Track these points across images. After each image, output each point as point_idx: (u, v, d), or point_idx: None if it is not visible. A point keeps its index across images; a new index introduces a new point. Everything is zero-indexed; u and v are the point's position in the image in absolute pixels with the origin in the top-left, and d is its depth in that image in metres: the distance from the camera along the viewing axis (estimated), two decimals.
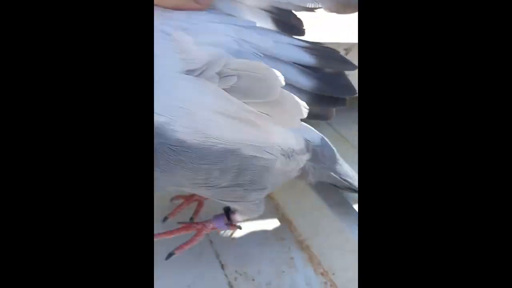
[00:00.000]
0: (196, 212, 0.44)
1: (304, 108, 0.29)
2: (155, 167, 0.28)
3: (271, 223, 0.47)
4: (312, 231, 0.45)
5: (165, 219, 0.42)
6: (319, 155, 0.40)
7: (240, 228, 0.42)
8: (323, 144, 0.41)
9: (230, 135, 0.29)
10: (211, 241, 0.43)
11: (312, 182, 0.42)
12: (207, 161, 0.28)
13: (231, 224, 0.40)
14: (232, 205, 0.39)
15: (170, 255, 0.38)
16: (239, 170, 0.30)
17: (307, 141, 0.38)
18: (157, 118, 0.26)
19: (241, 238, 0.45)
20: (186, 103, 0.27)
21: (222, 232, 0.44)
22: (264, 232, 0.46)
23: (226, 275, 0.41)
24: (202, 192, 0.33)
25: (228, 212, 0.40)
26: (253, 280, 0.40)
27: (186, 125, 0.27)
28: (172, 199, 0.45)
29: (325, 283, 0.41)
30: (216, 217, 0.40)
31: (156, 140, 0.26)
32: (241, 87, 0.27)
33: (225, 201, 0.35)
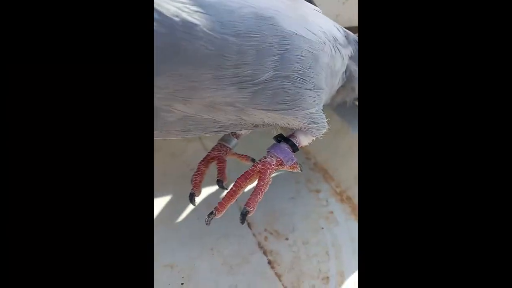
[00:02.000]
0: (220, 171, 0.32)
1: None
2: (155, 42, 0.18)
3: (303, 174, 0.40)
4: (353, 179, 0.38)
5: (192, 197, 0.31)
6: None
7: (301, 170, 0.30)
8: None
9: None
10: None
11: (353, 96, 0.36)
12: (233, 30, 0.19)
13: (294, 163, 0.29)
14: (287, 123, 0.27)
15: (244, 215, 0.27)
16: (282, 52, 0.22)
17: (345, 31, 0.31)
18: None
19: (268, 191, 0.38)
20: None
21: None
22: (294, 185, 0.39)
23: (254, 235, 0.34)
24: (234, 96, 0.22)
25: (285, 138, 0.29)
26: (287, 239, 0.34)
27: None
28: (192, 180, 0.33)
29: None
30: (275, 147, 0.28)
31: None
32: None
33: (273, 111, 0.24)
